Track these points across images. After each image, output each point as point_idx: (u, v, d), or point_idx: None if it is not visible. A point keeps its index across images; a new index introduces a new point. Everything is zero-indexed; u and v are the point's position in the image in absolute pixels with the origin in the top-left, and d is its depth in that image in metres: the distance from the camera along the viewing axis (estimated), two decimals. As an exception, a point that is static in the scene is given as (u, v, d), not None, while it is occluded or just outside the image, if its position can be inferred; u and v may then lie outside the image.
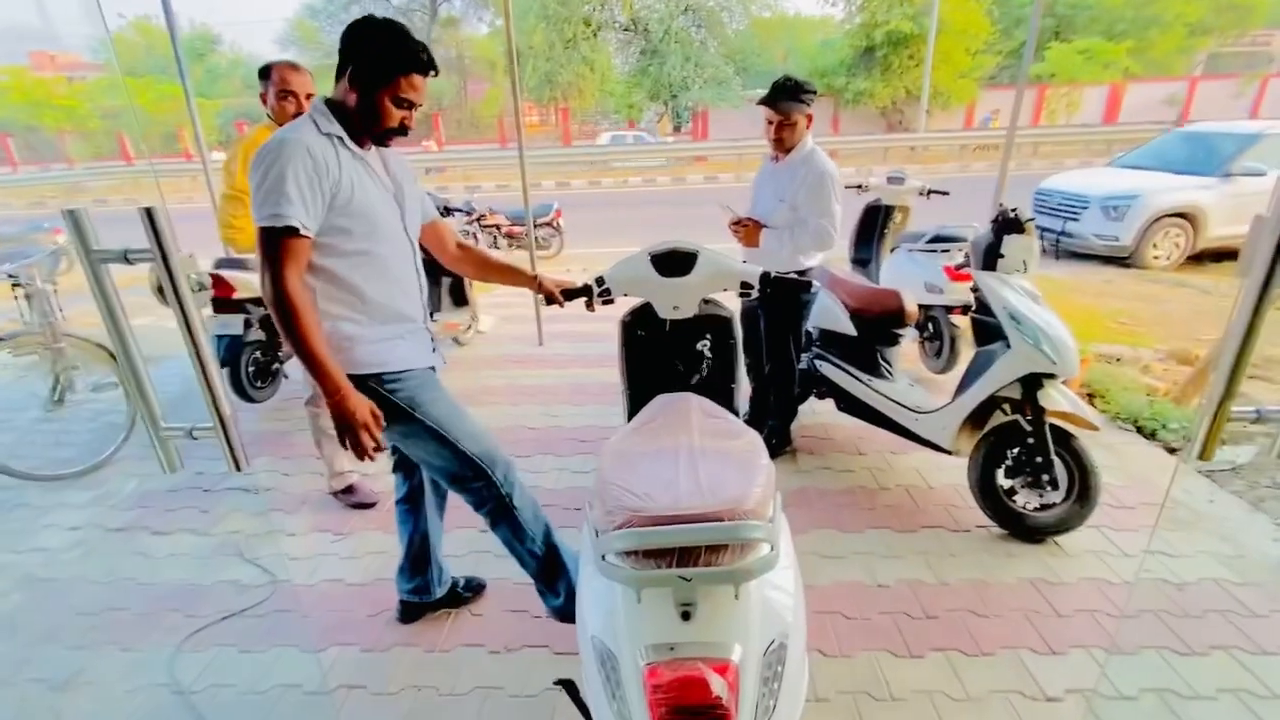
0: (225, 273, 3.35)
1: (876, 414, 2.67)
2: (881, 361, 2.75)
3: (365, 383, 1.50)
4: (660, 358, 1.72)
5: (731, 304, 1.83)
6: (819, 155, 2.49)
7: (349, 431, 1.42)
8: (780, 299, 2.61)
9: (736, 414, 1.73)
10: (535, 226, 8.24)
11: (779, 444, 2.86)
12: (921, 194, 3.94)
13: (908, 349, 3.82)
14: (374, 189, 1.49)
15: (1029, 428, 2.18)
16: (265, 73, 2.27)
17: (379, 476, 2.89)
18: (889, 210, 4.05)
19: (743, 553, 0.97)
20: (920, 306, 3.47)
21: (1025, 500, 2.25)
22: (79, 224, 0.94)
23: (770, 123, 2.50)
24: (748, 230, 2.58)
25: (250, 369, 3.55)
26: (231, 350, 3.43)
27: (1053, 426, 2.18)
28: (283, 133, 1.38)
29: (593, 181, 16.05)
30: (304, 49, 27.72)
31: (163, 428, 1.12)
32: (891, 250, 3.95)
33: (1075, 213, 6.66)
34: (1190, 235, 6.29)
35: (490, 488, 1.68)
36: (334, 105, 1.46)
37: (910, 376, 3.23)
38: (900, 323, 2.69)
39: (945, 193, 4.05)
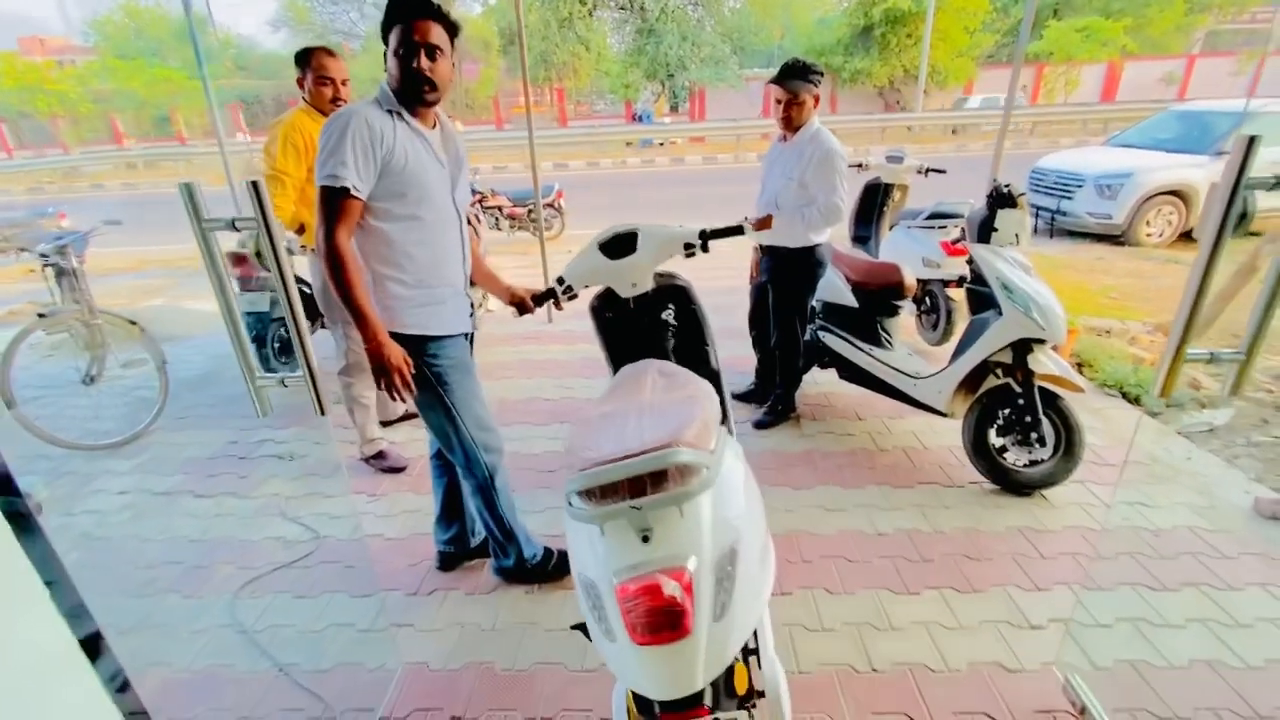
0: (248, 257, 3.48)
1: (876, 381, 2.83)
2: (881, 331, 2.91)
3: (407, 344, 1.66)
4: (631, 333, 1.85)
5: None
6: (825, 135, 2.61)
7: (384, 374, 1.59)
8: (787, 274, 2.77)
9: (716, 372, 1.87)
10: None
11: (784, 410, 3.03)
12: (920, 172, 4.07)
13: (905, 322, 3.97)
14: (428, 161, 1.63)
15: (1019, 390, 2.35)
16: (303, 59, 2.38)
17: (407, 444, 3.05)
18: (888, 188, 4.17)
19: (683, 478, 1.13)
20: (918, 280, 3.63)
21: (1015, 457, 2.42)
22: (193, 196, 1.08)
23: (779, 102, 2.62)
24: (763, 224, 2.68)
25: (276, 345, 3.69)
26: (258, 326, 3.58)
27: (1041, 389, 2.34)
28: (349, 106, 1.54)
29: (591, 162, 16.07)
30: (295, 30, 27.39)
31: (258, 377, 1.27)
32: (891, 227, 4.09)
33: (1070, 191, 6.79)
34: (1183, 213, 6.44)
35: (475, 468, 1.87)
36: (391, 86, 1.60)
37: (908, 347, 3.40)
38: (899, 295, 2.85)
39: (942, 171, 4.18)
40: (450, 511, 2.14)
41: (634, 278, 1.79)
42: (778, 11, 24.98)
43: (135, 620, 2.06)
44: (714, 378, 2.14)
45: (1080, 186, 6.69)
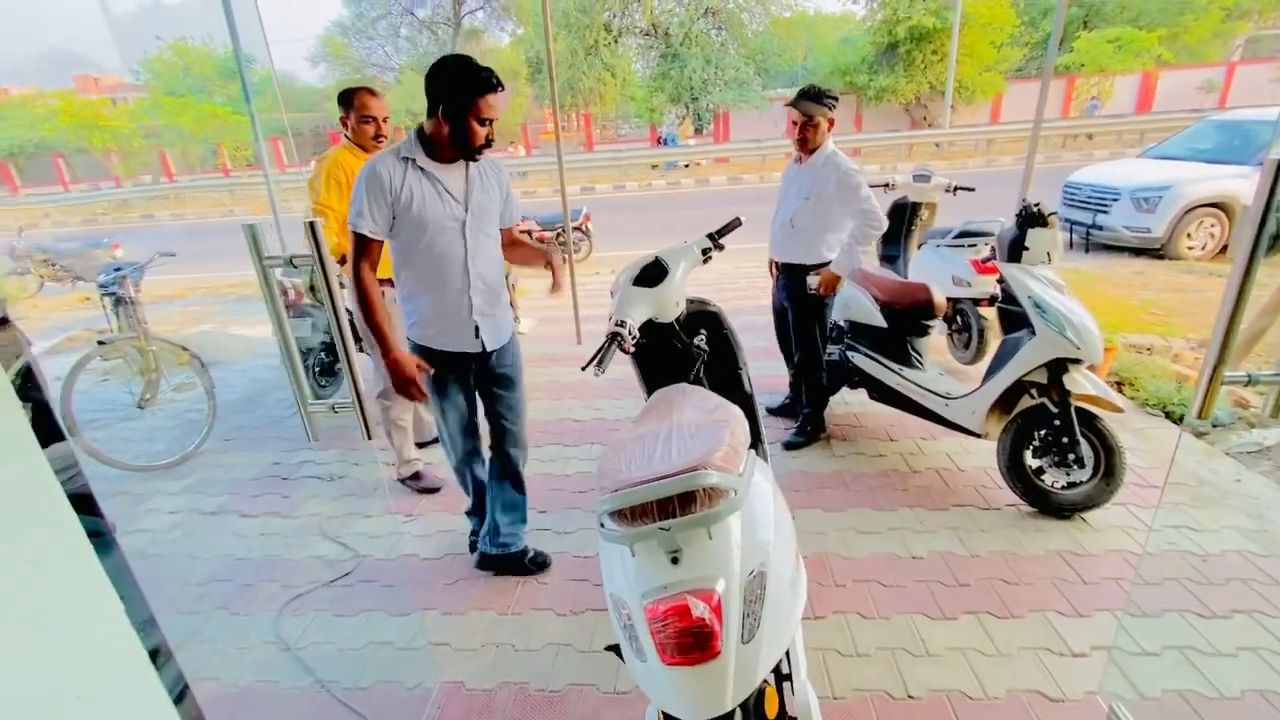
0: (287, 280, 3.64)
1: (908, 401, 2.81)
2: (912, 351, 2.89)
3: (423, 353, 1.99)
4: (665, 359, 1.92)
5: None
6: (839, 156, 2.68)
7: (400, 383, 1.87)
8: (803, 291, 2.79)
9: (749, 395, 1.97)
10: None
11: (814, 430, 3.02)
12: (948, 190, 4.06)
13: (937, 341, 3.94)
14: (434, 201, 1.84)
15: (1055, 410, 2.31)
16: (346, 98, 2.52)
17: (442, 464, 3.12)
18: (915, 207, 4.17)
19: (711, 501, 1.16)
20: (948, 299, 3.61)
21: (1053, 479, 2.38)
22: (255, 236, 1.16)
23: (795, 123, 2.69)
24: (827, 279, 2.71)
25: (316, 368, 3.83)
26: (299, 350, 3.71)
27: (1078, 409, 2.30)
28: (370, 160, 1.82)
29: (617, 185, 16.30)
30: (334, 65, 28.55)
31: (310, 404, 1.34)
32: (919, 246, 4.08)
33: (1105, 205, 6.66)
34: (1225, 225, 6.26)
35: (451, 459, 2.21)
36: (423, 134, 1.84)
37: (939, 367, 3.37)
38: (929, 314, 2.84)
39: (971, 189, 4.16)
40: (476, 507, 2.33)
41: (675, 297, 1.86)
42: (801, 32, 25.19)
43: (187, 635, 2.14)
44: (746, 401, 2.18)
45: (1116, 200, 6.56)
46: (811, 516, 2.48)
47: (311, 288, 3.11)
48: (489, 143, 1.82)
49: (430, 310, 1.95)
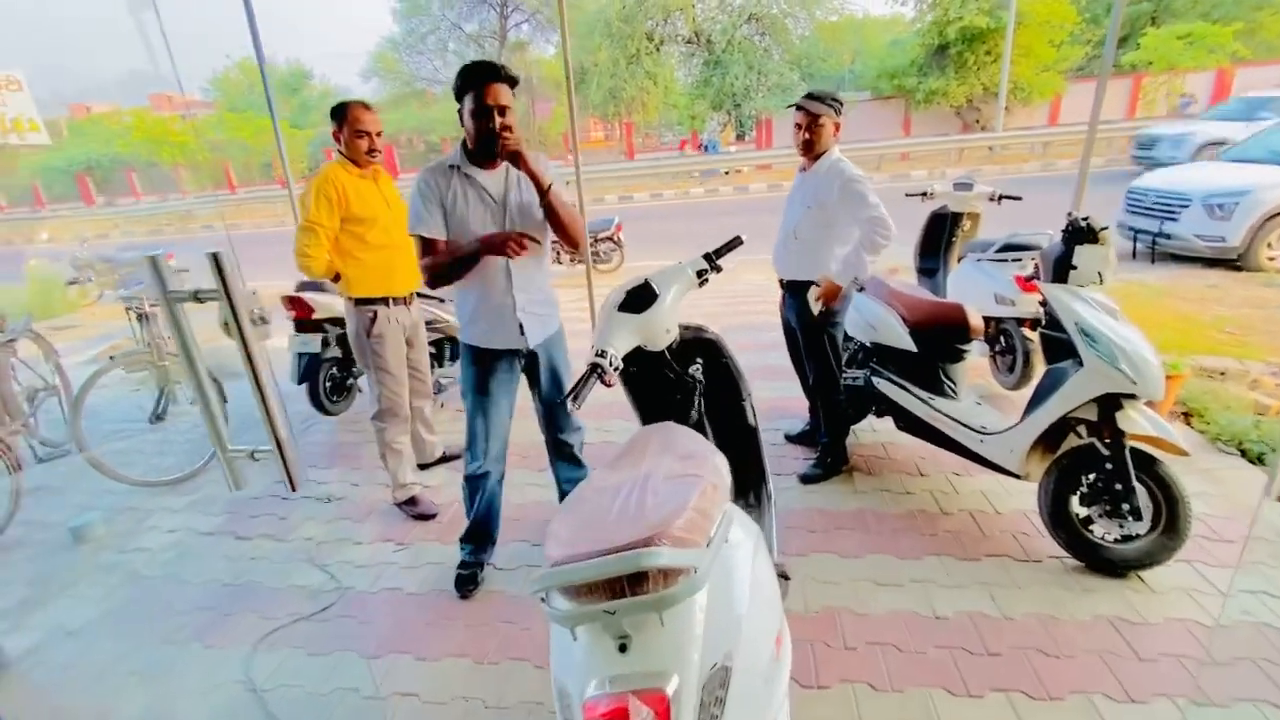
0: (305, 294, 3.61)
1: (939, 434, 2.55)
2: (944, 379, 2.63)
3: (466, 349, 2.10)
4: (659, 388, 1.78)
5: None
6: (845, 163, 2.49)
7: (501, 244, 1.85)
8: (809, 308, 2.57)
9: (753, 429, 1.89)
10: (598, 241, 8.43)
11: (833, 462, 2.78)
12: (992, 199, 3.76)
13: (978, 363, 3.63)
14: (475, 205, 1.94)
15: (1107, 452, 2.02)
16: (339, 113, 2.44)
17: (441, 488, 3.02)
18: (956, 217, 3.88)
19: (665, 580, 0.97)
20: (990, 319, 3.31)
21: (1103, 530, 2.08)
22: (157, 267, 1.05)
23: (799, 126, 2.51)
24: (827, 289, 2.49)
25: (327, 384, 3.79)
26: (310, 367, 3.68)
27: (1134, 450, 2.01)
28: (425, 168, 1.96)
29: (654, 194, 16.18)
30: (385, 79, 29.47)
31: (229, 450, 1.22)
32: (959, 260, 3.78)
33: (1174, 212, 6.13)
34: (1312, 234, 5.67)
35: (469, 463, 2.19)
36: (465, 143, 1.95)
37: (979, 392, 3.08)
38: (964, 338, 2.57)
39: (1018, 198, 3.84)
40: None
41: (665, 324, 1.72)
42: (848, 36, 24.64)
43: (160, 668, 2.07)
44: (750, 435, 1.99)
45: (1186, 206, 6.03)
46: (825, 563, 2.25)
47: (225, 325, 3.00)
48: (498, 135, 1.82)
49: (477, 310, 2.03)
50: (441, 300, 3.49)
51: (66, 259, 9.67)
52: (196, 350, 1.14)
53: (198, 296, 1.06)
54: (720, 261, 1.82)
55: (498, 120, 1.82)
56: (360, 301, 2.56)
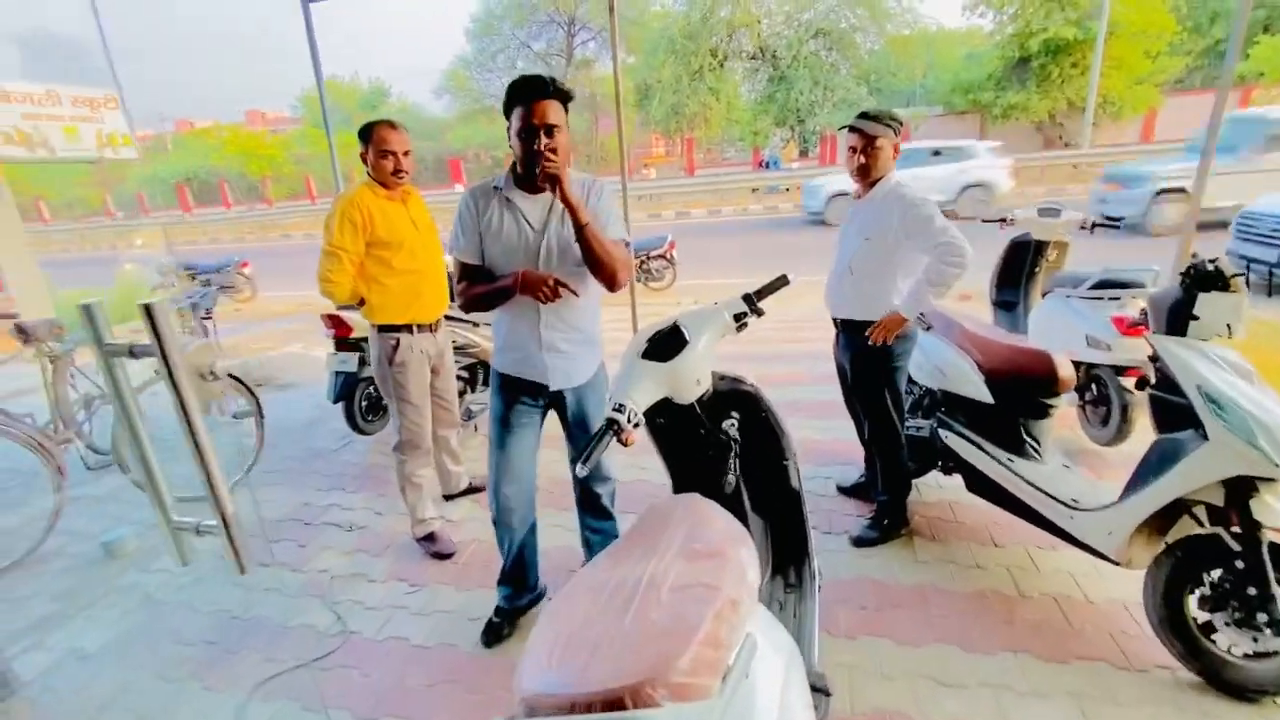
0: (345, 313, 3.56)
1: (1017, 501, 2.20)
2: (1025, 437, 2.28)
3: (497, 376, 1.95)
4: (690, 444, 1.58)
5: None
6: (904, 188, 2.21)
7: (538, 287, 1.68)
8: (867, 352, 2.29)
9: (796, 494, 1.67)
10: (650, 258, 8.28)
11: (891, 524, 2.46)
12: (1083, 228, 3.35)
13: (1064, 413, 3.22)
14: (513, 231, 1.77)
15: (1237, 546, 1.65)
16: (365, 133, 2.35)
17: (464, 523, 2.87)
18: (1040, 247, 3.49)
19: None
20: (1080, 365, 2.92)
21: (1230, 642, 1.70)
22: (93, 318, 0.91)
23: (854, 149, 2.24)
24: (887, 324, 2.22)
25: (363, 403, 3.74)
26: (347, 385, 3.63)
27: (1274, 546, 1.63)
28: (469, 188, 1.85)
29: (712, 210, 15.95)
30: (455, 96, 30.56)
31: (174, 522, 1.07)
32: (1044, 294, 3.38)
33: (1297, 240, 5.43)
34: None
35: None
36: (514, 166, 1.79)
37: (1065, 449, 2.69)
38: (1051, 391, 2.23)
39: (1115, 225, 3.42)
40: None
41: (695, 374, 1.50)
42: (920, 50, 23.79)
43: (156, 709, 1.98)
44: (793, 500, 1.74)
45: (1312, 234, 5.33)
46: (877, 650, 1.94)
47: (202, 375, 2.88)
48: (540, 156, 1.61)
49: (507, 339, 1.90)
50: (475, 324, 3.38)
51: (153, 264, 10.29)
52: (136, 408, 1.00)
53: (133, 352, 0.92)
54: (761, 304, 1.59)
55: (543, 141, 1.61)
56: (384, 328, 2.44)
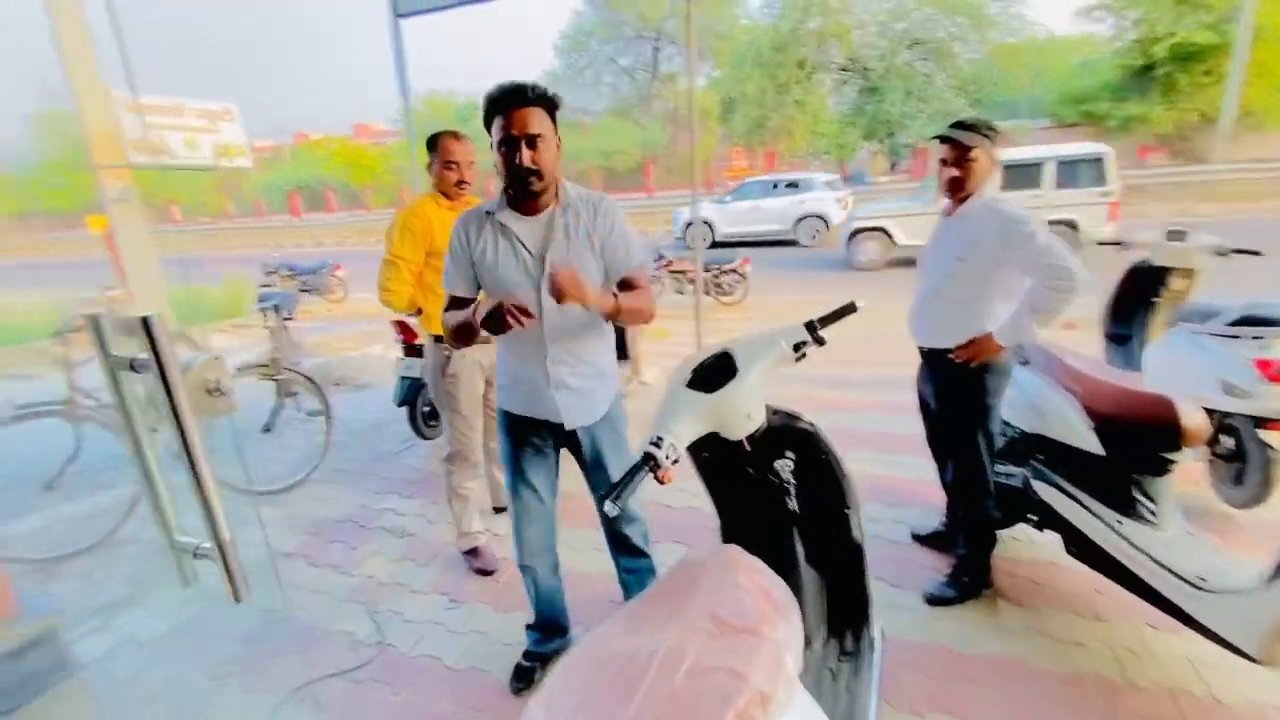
0: (411, 320, 3.63)
1: (1126, 572, 1.88)
2: (1139, 497, 1.95)
3: (502, 414, 1.80)
4: (739, 483, 1.43)
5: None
6: (1003, 202, 1.95)
7: (497, 320, 1.42)
8: (953, 386, 2.05)
9: (858, 548, 1.47)
10: (722, 273, 8.12)
11: (971, 583, 2.18)
12: (1219, 254, 2.92)
13: (1189, 466, 2.79)
14: (509, 259, 1.60)
15: None
16: (431, 144, 2.36)
17: (507, 539, 2.80)
18: (1162, 274, 3.08)
19: None
20: (1212, 413, 2.51)
21: None
22: (99, 330, 0.88)
23: (945, 161, 2.00)
24: (979, 345, 1.99)
25: (425, 409, 3.79)
26: (411, 390, 3.69)
27: None
28: (462, 214, 1.69)
29: (793, 225, 15.53)
30: (542, 110, 31.51)
31: (177, 541, 1.03)
32: (1168, 328, 2.97)
33: None
34: None
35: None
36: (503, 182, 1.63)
37: (1187, 508, 2.30)
38: (1173, 444, 1.90)
39: (1257, 252, 2.97)
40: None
41: (745, 408, 1.35)
42: (1026, 58, 22.36)
43: (197, 706, 2.01)
44: (853, 555, 1.55)
45: None
46: (946, 731, 1.70)
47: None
48: (535, 173, 1.50)
49: (512, 376, 1.75)
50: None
51: (259, 264, 11.11)
52: (140, 420, 0.97)
53: (133, 365, 0.88)
54: (823, 332, 1.42)
55: (525, 154, 1.47)
56: (439, 339, 2.43)
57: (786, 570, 1.52)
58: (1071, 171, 8.25)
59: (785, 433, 1.47)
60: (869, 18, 22.73)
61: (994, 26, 21.69)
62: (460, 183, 2.35)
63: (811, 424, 1.47)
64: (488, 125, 1.53)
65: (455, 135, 2.35)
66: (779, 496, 1.46)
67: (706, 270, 8.09)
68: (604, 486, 1.80)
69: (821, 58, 23.71)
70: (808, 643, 1.52)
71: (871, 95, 22.51)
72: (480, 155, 2.38)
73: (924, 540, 2.53)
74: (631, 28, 28.07)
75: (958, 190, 2.03)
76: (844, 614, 1.57)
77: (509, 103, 1.47)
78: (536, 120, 1.47)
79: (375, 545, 2.84)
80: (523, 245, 1.59)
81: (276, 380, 3.59)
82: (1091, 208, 8.14)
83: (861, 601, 1.54)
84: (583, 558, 2.56)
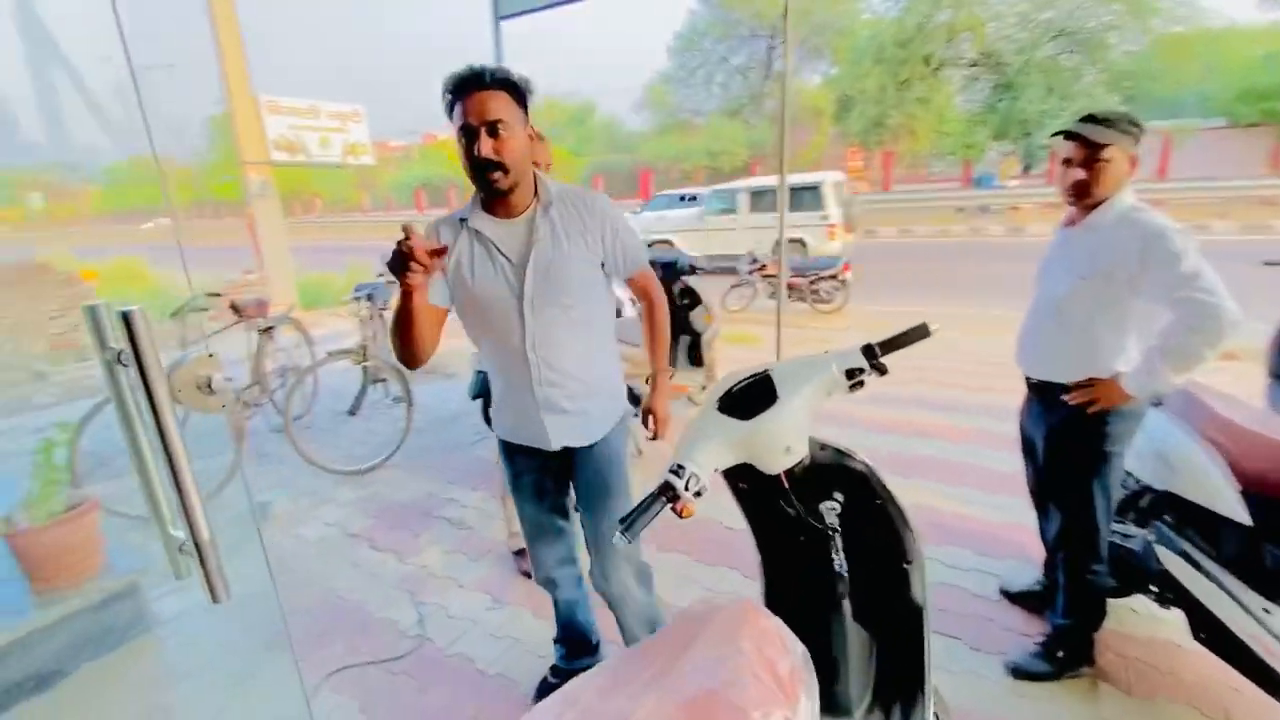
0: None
1: (1270, 673, 1.51)
2: (1300, 583, 1.57)
3: (500, 443, 1.67)
4: (779, 521, 1.26)
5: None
6: (1145, 211, 1.60)
7: (399, 257, 1.14)
8: (1067, 428, 1.74)
9: (917, 610, 1.26)
10: (821, 279, 7.72)
11: (1069, 657, 1.85)
12: None
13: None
14: (486, 269, 1.42)
15: None
16: None
17: (558, 543, 2.77)
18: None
19: None
20: None
21: None
22: (97, 321, 0.88)
23: (1069, 161, 1.68)
24: (1103, 391, 1.67)
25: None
26: (484, 384, 3.75)
27: None
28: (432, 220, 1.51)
29: (903, 230, 14.61)
30: (653, 111, 31.79)
31: (170, 534, 1.03)
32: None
33: None
34: None
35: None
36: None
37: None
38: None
39: None
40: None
41: (784, 439, 1.19)
42: (1197, 50, 19.66)
43: (248, 673, 2.12)
44: (912, 614, 1.34)
45: None
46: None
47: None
48: (496, 166, 1.30)
49: (501, 398, 1.59)
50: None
51: (379, 255, 11.96)
52: (137, 414, 0.97)
53: (121, 359, 0.88)
54: (884, 359, 1.22)
55: (484, 142, 1.27)
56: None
57: (826, 626, 1.34)
58: (799, 198, 9.57)
59: (833, 471, 1.28)
60: (1007, 9, 20.93)
61: (1157, 15, 19.24)
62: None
63: (866, 464, 1.27)
64: (450, 116, 1.34)
65: (539, 136, 2.36)
66: (822, 543, 1.28)
67: (803, 275, 7.75)
68: (590, 529, 1.62)
69: (950, 53, 22.15)
70: (846, 712, 1.33)
71: (1005, 92, 20.73)
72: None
73: (1016, 599, 2.20)
74: (747, 26, 27.62)
75: (1083, 196, 1.71)
76: (895, 683, 1.36)
77: (466, 87, 1.29)
78: (497, 105, 1.29)
79: (434, 534, 2.90)
80: (500, 252, 1.41)
81: (365, 366, 3.78)
82: (815, 229, 9.93)
83: (917, 671, 1.32)
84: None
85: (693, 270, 3.78)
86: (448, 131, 1.39)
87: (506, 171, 1.31)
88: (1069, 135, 1.70)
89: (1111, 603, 1.94)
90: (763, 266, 7.96)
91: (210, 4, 7.52)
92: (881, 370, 1.22)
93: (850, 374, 1.21)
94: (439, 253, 1.15)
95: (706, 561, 2.56)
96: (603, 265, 1.49)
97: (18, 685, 1.88)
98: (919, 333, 1.26)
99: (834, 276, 7.64)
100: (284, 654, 2.15)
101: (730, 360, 5.21)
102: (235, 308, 3.64)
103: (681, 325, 3.75)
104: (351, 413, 3.83)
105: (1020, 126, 20.49)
